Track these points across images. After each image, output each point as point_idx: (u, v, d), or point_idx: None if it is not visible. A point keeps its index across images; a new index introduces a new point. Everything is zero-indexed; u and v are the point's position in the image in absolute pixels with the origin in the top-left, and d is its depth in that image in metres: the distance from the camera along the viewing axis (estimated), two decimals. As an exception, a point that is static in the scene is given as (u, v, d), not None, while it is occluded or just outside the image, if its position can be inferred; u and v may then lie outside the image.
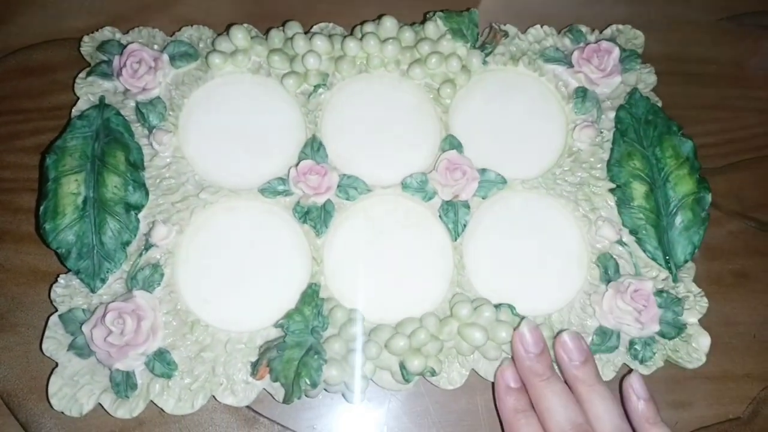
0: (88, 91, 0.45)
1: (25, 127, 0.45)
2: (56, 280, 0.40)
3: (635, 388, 0.39)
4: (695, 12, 0.51)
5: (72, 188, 0.41)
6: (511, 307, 0.41)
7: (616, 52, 0.48)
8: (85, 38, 0.46)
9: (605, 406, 0.37)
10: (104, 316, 0.38)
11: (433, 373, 0.40)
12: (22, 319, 0.41)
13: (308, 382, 0.37)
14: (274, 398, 0.40)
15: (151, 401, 0.38)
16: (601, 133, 0.47)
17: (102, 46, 0.46)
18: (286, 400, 0.38)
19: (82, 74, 0.45)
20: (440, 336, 0.40)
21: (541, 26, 0.50)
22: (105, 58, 0.45)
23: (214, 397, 0.39)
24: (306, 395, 0.39)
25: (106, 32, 0.47)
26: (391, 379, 0.40)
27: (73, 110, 0.44)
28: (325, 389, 0.40)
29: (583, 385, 0.38)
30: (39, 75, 0.46)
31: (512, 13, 0.51)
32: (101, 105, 0.44)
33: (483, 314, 0.40)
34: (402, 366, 0.39)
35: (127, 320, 0.38)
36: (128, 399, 0.38)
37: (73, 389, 0.38)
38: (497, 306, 0.41)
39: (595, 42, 0.49)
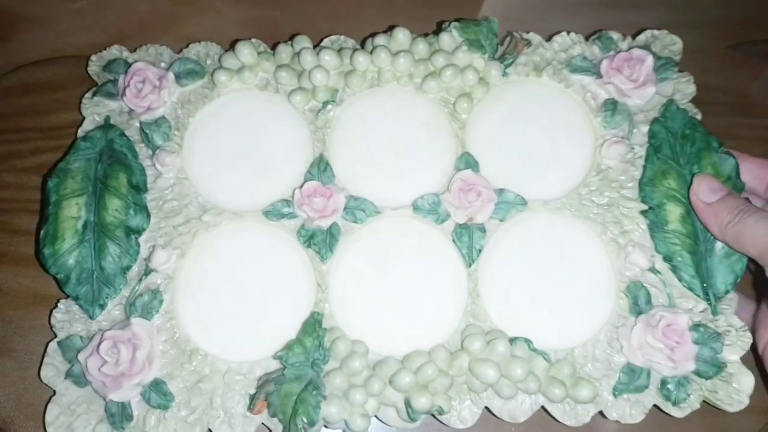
0: (93, 111, 0.44)
1: (25, 146, 0.45)
2: (56, 306, 0.39)
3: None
4: (702, 40, 0.48)
5: (72, 212, 0.40)
6: (528, 342, 0.38)
7: (650, 60, 0.44)
8: (93, 57, 0.45)
9: None
10: (99, 345, 0.37)
11: (442, 411, 0.37)
12: (19, 344, 0.40)
13: (305, 420, 0.35)
14: (272, 433, 0.38)
15: (147, 433, 0.37)
16: (633, 149, 0.43)
17: (108, 66, 0.45)
18: (283, 437, 0.36)
19: (88, 94, 0.44)
20: (450, 371, 0.37)
21: (568, 33, 0.47)
22: (111, 78, 0.44)
23: (210, 430, 0.37)
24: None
25: (114, 51, 0.46)
26: (397, 417, 0.38)
27: (78, 131, 0.43)
28: (326, 426, 0.37)
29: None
30: (40, 93, 0.46)
31: (511, 21, 0.47)
32: (106, 126, 0.43)
33: (496, 349, 0.37)
34: (407, 403, 0.37)
35: (122, 350, 0.37)
36: (123, 430, 0.37)
37: (70, 418, 0.37)
38: (512, 340, 0.38)
39: (627, 50, 0.45)
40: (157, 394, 0.37)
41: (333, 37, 0.46)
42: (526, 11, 0.51)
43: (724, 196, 0.39)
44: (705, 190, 0.39)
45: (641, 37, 0.47)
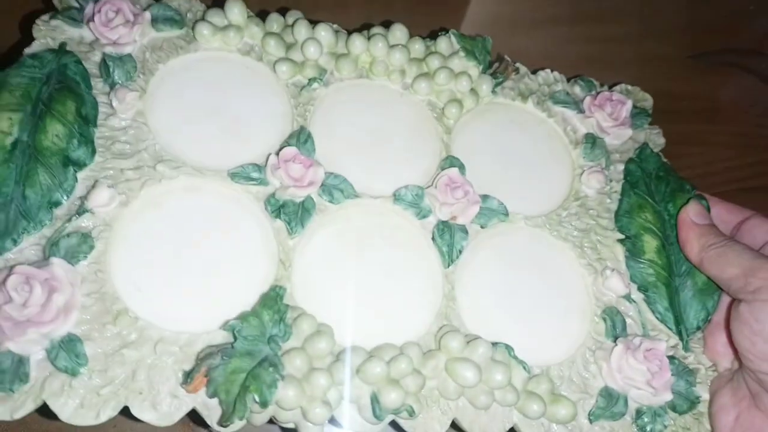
0: (48, 34, 0.38)
1: None
2: (-47, 233, 0.31)
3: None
4: (666, 49, 0.52)
5: (3, 126, 0.33)
6: (509, 348, 0.35)
7: (629, 104, 0.45)
8: (58, -19, 0.40)
9: None
10: (6, 279, 0.29)
11: (411, 412, 0.32)
12: None
13: (257, 399, 0.29)
14: (202, 423, 0.31)
15: (44, 402, 0.29)
16: (610, 182, 0.44)
17: (76, -8, 0.40)
18: (223, 420, 0.29)
19: (45, 17, 0.39)
20: (423, 370, 0.33)
21: (551, 71, 0.48)
22: (76, 5, 0.39)
23: (127, 408, 0.30)
24: (248, 420, 0.30)
25: (85, -19, 0.41)
26: (357, 416, 0.32)
27: (25, 50, 0.37)
28: (272, 420, 0.31)
29: None
30: None
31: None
32: (60, 50, 0.37)
33: (477, 350, 0.34)
34: (374, 398, 0.32)
35: (35, 289, 0.29)
36: (12, 393, 0.29)
37: (-59, 374, 0.29)
38: (493, 344, 0.35)
39: (608, 91, 0.46)
40: (68, 353, 0.30)
41: (329, 23, 0.44)
42: (496, 27, 0.52)
43: (711, 224, 0.39)
44: (697, 212, 0.40)
45: (616, 89, 0.49)
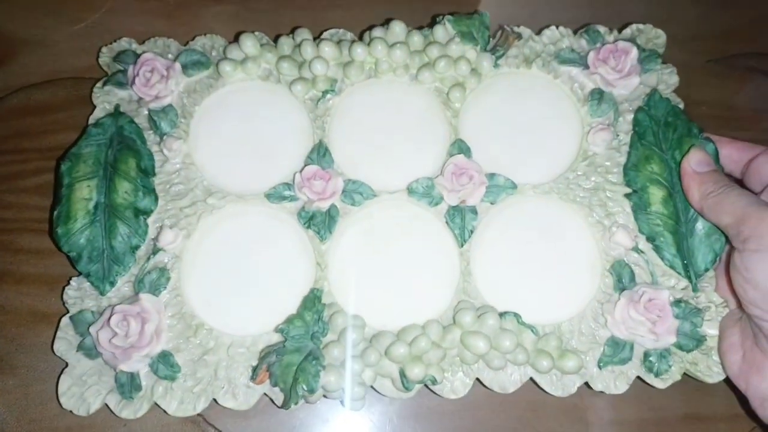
0: (104, 99, 0.46)
1: (26, 167, 0.46)
2: (69, 283, 0.41)
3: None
4: (685, 54, 0.51)
5: (84, 194, 0.42)
6: (517, 316, 0.40)
7: (634, 52, 0.46)
8: (103, 49, 0.48)
9: None
10: (110, 318, 0.39)
11: (435, 381, 0.39)
12: (21, 361, 0.41)
13: (305, 388, 0.37)
14: (274, 402, 0.40)
15: (155, 402, 0.39)
16: (618, 136, 0.46)
17: (118, 56, 0.47)
18: (284, 405, 0.38)
19: (99, 84, 0.46)
20: (442, 344, 0.39)
21: (557, 27, 0.49)
22: (121, 68, 0.47)
23: (215, 400, 0.39)
24: (306, 401, 0.39)
25: (123, 43, 0.48)
26: (392, 387, 0.40)
27: (89, 118, 0.45)
28: (324, 396, 0.39)
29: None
30: (39, 115, 0.47)
31: (504, 16, 0.49)
32: (116, 113, 0.45)
33: (486, 322, 0.39)
34: (402, 373, 0.39)
35: (131, 323, 0.39)
36: (132, 400, 0.39)
37: (82, 389, 0.39)
38: (502, 314, 0.40)
39: (613, 42, 0.47)
40: (165, 365, 0.39)
41: (332, 30, 0.49)
42: (518, 6, 0.53)
43: (713, 170, 0.41)
44: (698, 160, 0.42)
45: (627, 31, 0.49)
